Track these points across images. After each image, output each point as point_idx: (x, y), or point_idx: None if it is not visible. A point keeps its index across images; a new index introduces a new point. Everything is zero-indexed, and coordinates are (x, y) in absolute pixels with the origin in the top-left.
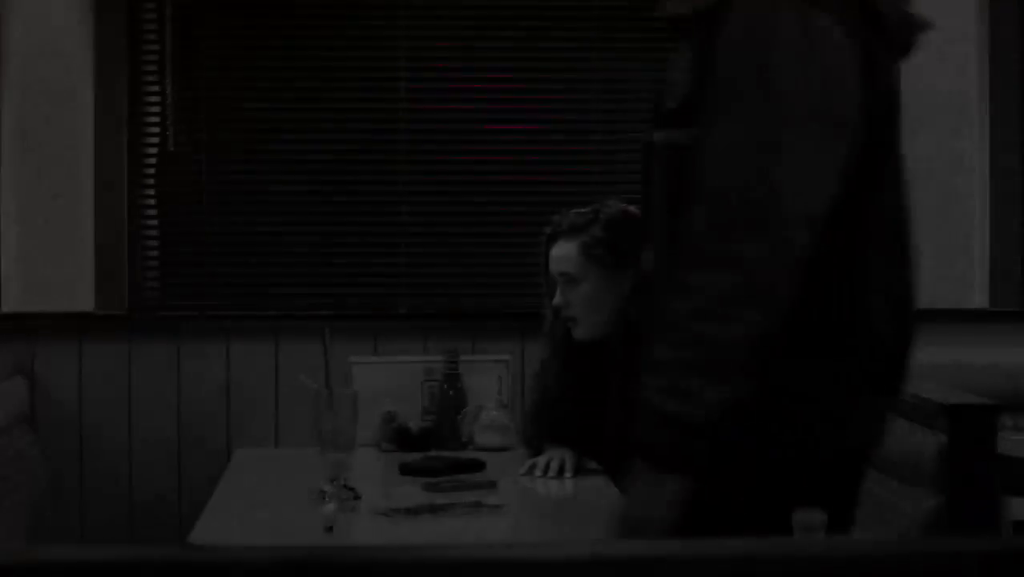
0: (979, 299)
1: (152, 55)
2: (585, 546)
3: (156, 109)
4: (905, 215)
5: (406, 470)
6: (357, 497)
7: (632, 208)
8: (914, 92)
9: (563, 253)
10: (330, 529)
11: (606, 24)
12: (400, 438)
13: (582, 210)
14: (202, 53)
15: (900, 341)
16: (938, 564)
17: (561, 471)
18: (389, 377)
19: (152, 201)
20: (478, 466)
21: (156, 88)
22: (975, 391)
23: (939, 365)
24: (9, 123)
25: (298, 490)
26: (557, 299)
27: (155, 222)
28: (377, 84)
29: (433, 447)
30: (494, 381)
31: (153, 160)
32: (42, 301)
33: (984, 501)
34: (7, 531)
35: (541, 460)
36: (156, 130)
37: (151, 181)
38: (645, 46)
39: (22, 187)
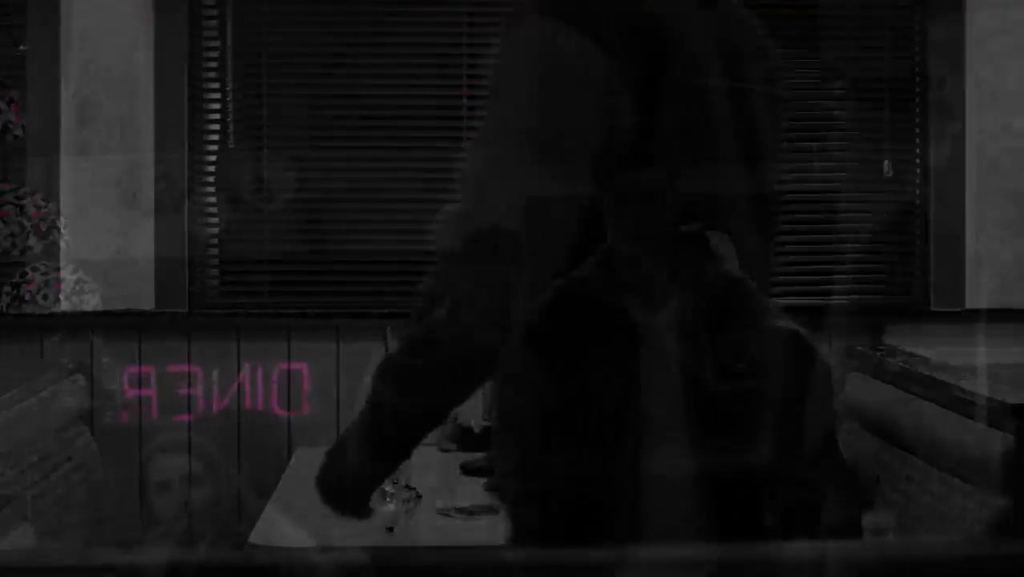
0: None
1: (213, 50)
2: (656, 549)
3: (217, 105)
4: None
5: (467, 470)
6: (418, 497)
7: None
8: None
9: None
10: (391, 529)
11: None
12: (461, 437)
13: None
14: (263, 47)
15: None
16: (1004, 566)
17: None
18: None
19: (212, 198)
20: None
21: (217, 83)
22: None
23: (1009, 365)
24: (68, 123)
25: None
26: None
27: (215, 219)
28: (440, 77)
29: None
30: None
31: (214, 156)
32: (101, 299)
33: None
34: (65, 532)
35: None
36: (217, 126)
37: (212, 177)
38: None
39: (81, 185)
